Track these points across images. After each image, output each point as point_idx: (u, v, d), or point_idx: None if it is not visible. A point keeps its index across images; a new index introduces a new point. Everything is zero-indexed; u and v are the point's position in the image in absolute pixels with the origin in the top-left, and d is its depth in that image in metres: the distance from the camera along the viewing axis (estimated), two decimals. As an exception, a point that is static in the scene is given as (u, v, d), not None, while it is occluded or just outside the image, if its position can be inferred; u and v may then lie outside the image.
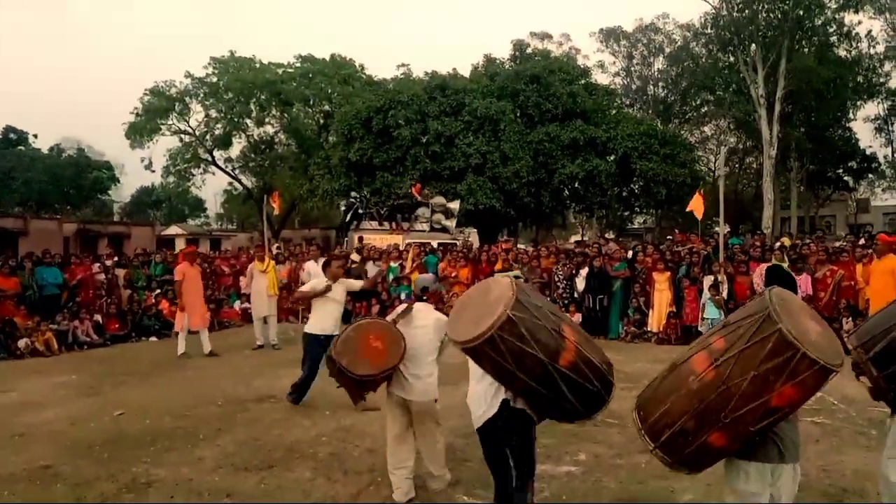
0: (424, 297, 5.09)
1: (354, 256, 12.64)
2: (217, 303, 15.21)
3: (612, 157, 30.35)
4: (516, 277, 4.15)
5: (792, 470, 3.11)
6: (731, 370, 2.79)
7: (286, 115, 38.74)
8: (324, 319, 7.74)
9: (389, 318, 5.01)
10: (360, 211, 20.68)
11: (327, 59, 39.29)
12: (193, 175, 42.37)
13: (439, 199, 21.81)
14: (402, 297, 14.68)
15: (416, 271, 15.15)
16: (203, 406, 7.80)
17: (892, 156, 38.61)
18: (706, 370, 2.88)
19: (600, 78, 39.59)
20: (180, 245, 35.68)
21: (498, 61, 34.85)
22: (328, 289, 7.74)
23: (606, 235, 28.10)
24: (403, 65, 38.18)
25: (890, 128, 38.07)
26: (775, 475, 3.07)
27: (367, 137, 29.57)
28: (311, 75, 38.05)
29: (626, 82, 44.25)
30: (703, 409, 2.84)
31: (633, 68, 44.36)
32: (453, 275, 14.35)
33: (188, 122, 39.69)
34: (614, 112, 34.37)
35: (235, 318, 15.48)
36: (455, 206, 22.15)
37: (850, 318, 10.74)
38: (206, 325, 11.66)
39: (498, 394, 3.62)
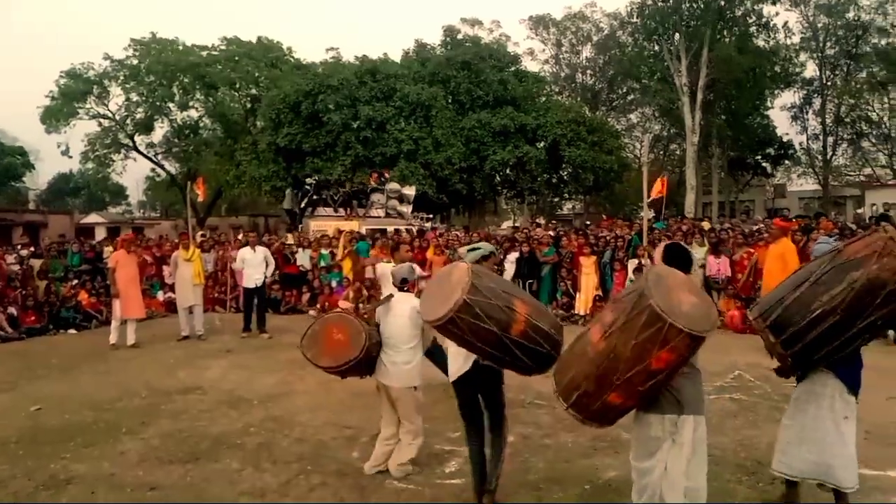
0: (406, 288, 5.19)
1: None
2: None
3: (541, 144, 30.81)
4: (489, 254, 4.69)
5: (693, 421, 3.46)
6: (617, 340, 3.23)
7: (211, 98, 37.72)
8: None
9: (371, 307, 5.40)
10: (315, 197, 20.40)
11: (254, 41, 38.38)
12: (114, 161, 40.96)
13: (394, 185, 21.76)
14: (334, 284, 14.55)
15: (347, 258, 15.09)
16: (126, 399, 7.54)
17: (807, 143, 40.53)
18: (599, 340, 3.33)
19: (530, 65, 40.11)
20: (100, 234, 34.38)
21: (429, 47, 34.81)
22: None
23: (538, 221, 28.51)
24: (333, 48, 37.66)
25: (805, 116, 39.95)
26: (677, 425, 3.44)
27: (295, 122, 29.08)
28: (237, 58, 37.07)
29: (555, 70, 44.92)
30: (599, 373, 3.30)
31: (561, 56, 45.06)
32: (386, 261, 14.28)
33: (107, 106, 38.36)
34: (544, 99, 34.89)
35: (159, 309, 14.99)
36: (410, 191, 22.16)
37: (766, 298, 11.20)
38: (139, 314, 11.31)
39: (470, 355, 4.22)
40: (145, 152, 40.45)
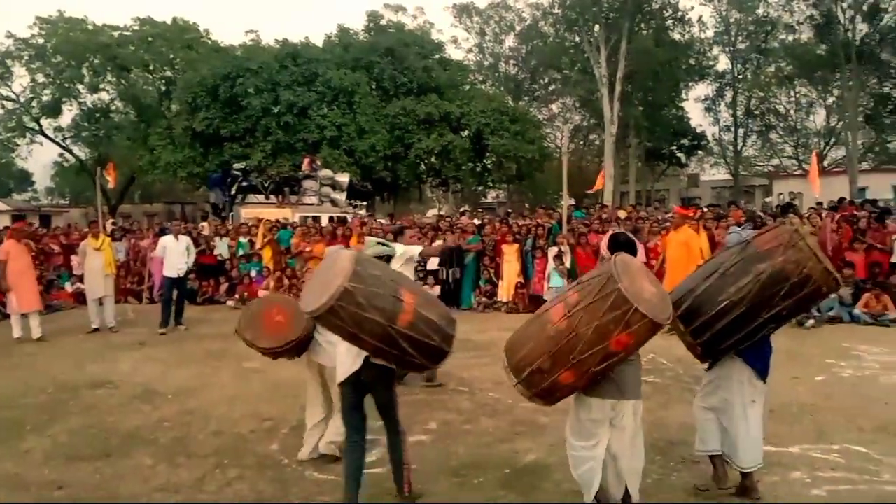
0: None
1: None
2: (47, 284, 14.00)
3: (465, 133, 30.95)
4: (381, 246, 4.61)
5: (632, 406, 3.65)
6: (580, 320, 3.31)
7: (123, 81, 36.20)
8: None
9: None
10: (245, 184, 19.79)
11: (168, 22, 36.93)
12: (18, 145, 39.02)
13: (327, 172, 21.54)
14: (253, 274, 14.23)
15: (267, 247, 14.78)
16: (31, 395, 7.17)
17: (719, 134, 42.25)
18: (561, 319, 3.40)
19: (454, 53, 40.17)
20: (4, 222, 32.49)
21: (352, 32, 34.33)
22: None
23: (463, 209, 28.69)
24: (252, 31, 36.75)
25: (717, 108, 41.59)
26: (616, 409, 3.62)
27: (213, 106, 28.22)
28: (150, 39, 35.62)
29: (478, 59, 45.14)
30: (557, 351, 3.38)
31: (485, 45, 45.31)
32: (307, 249, 14.07)
33: (10, 88, 36.37)
34: (468, 88, 35.02)
35: (68, 300, 14.31)
36: (344, 179, 21.96)
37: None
38: (36, 306, 10.73)
39: (360, 354, 4.01)
40: (53, 136, 38.57)
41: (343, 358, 4.18)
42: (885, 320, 10.42)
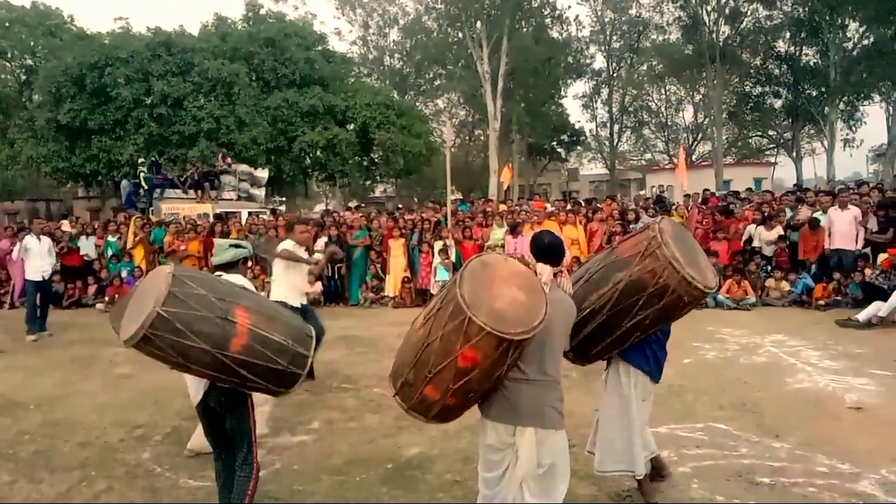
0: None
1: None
2: None
3: (351, 126, 30.62)
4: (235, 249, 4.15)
5: (534, 434, 3.05)
6: (431, 328, 2.94)
7: (-23, 69, 33.25)
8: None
9: None
10: (158, 181, 18.77)
11: (27, 6, 34.21)
12: None
13: (245, 168, 21.10)
14: (124, 275, 13.48)
15: (139, 246, 14.07)
16: None
17: (596, 130, 43.99)
18: (420, 325, 3.05)
19: (338, 46, 39.62)
20: None
21: (230, 21, 33.09)
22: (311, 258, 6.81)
23: (350, 204, 28.38)
24: (122, 18, 34.68)
25: (594, 105, 43.30)
26: (516, 435, 3.09)
27: (79, 97, 26.43)
28: (7, 24, 32.81)
29: (363, 52, 44.78)
30: (417, 362, 3.00)
31: (369, 38, 44.96)
32: (182, 248, 13.50)
33: None
34: (352, 81, 34.62)
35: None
36: (263, 174, 21.58)
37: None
38: None
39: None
40: None
41: (191, 383, 3.79)
42: (746, 304, 11.25)
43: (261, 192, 20.94)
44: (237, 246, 4.20)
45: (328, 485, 4.54)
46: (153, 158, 19.82)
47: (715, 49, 32.38)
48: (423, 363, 2.95)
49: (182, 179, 19.56)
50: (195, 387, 3.76)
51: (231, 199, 19.46)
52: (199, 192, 19.15)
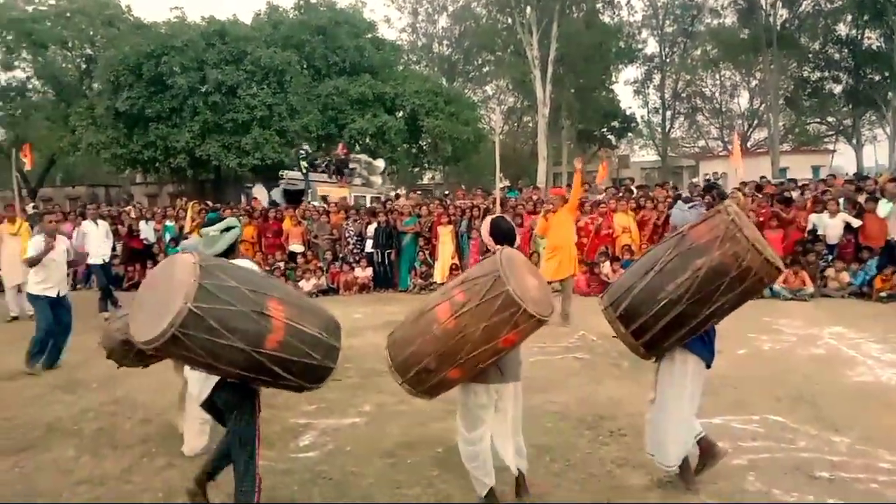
0: None
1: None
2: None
3: (400, 114, 30.73)
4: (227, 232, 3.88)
5: (513, 388, 3.80)
6: (468, 321, 3.29)
7: (40, 58, 34.27)
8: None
9: None
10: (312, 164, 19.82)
11: (87, -3, 35.15)
12: (-73, 128, 36.31)
13: (364, 157, 22.46)
14: (182, 257, 13.84)
15: (195, 230, 14.38)
16: (-59, 389, 6.83)
17: (648, 116, 43.22)
18: (448, 319, 3.35)
19: (387, 33, 39.71)
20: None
21: (282, 10, 33.49)
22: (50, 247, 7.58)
23: (398, 191, 28.55)
24: (177, 8, 35.39)
25: (646, 91, 42.53)
26: (499, 393, 3.74)
27: (137, 85, 27.09)
28: (68, 15, 33.76)
29: (412, 39, 44.79)
30: (444, 351, 3.36)
31: (418, 25, 44.94)
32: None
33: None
34: (401, 68, 34.67)
35: (-17, 289, 13.63)
36: (380, 163, 22.68)
37: (608, 262, 12.06)
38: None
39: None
40: (-37, 117, 36.23)
41: (193, 380, 3.65)
42: (804, 295, 10.94)
43: (378, 179, 21.88)
44: (227, 229, 3.80)
45: (380, 467, 4.59)
46: (305, 150, 20.26)
47: (772, 33, 31.45)
48: (454, 351, 3.34)
49: (326, 166, 20.52)
50: (200, 384, 3.57)
51: (358, 185, 20.47)
52: (340, 177, 20.18)
